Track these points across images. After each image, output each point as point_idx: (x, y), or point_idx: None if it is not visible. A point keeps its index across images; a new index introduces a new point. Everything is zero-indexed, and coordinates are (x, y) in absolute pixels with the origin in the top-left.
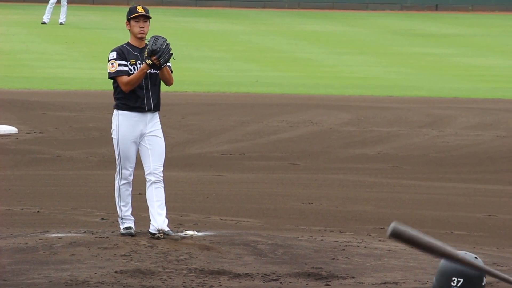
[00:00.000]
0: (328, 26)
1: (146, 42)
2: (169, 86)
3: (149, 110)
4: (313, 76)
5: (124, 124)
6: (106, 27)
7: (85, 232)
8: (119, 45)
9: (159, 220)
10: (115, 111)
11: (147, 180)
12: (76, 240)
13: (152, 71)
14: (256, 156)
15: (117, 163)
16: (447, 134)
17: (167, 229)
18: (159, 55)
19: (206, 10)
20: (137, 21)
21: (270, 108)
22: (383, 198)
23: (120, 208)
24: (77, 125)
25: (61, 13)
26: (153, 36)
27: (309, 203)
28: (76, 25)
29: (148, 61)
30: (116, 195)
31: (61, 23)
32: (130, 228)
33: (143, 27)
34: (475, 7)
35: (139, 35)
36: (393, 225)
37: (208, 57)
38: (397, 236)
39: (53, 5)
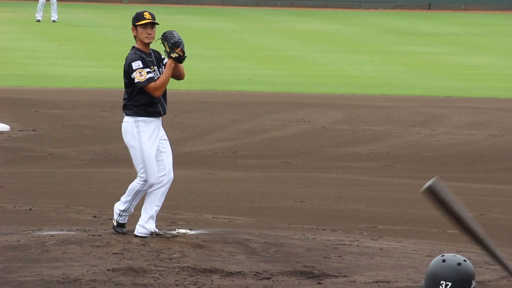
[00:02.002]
0: (321, 24)
1: (151, 48)
2: (183, 79)
3: (164, 114)
4: (306, 74)
5: (146, 130)
6: (99, 25)
7: (77, 230)
8: (132, 52)
9: (152, 224)
10: (131, 118)
11: (160, 180)
12: (68, 238)
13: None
14: (248, 155)
15: (141, 171)
16: (439, 133)
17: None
18: (182, 46)
19: (198, 8)
20: (144, 28)
21: (263, 106)
22: (375, 196)
23: (130, 204)
24: (69, 123)
25: (52, 11)
26: (164, 32)
27: (301, 201)
28: (69, 23)
29: (174, 55)
30: (131, 195)
31: (53, 21)
32: (124, 226)
33: (150, 33)
34: (468, 6)
35: (147, 41)
36: (432, 181)
37: (201, 55)
38: (431, 193)
39: (44, 2)
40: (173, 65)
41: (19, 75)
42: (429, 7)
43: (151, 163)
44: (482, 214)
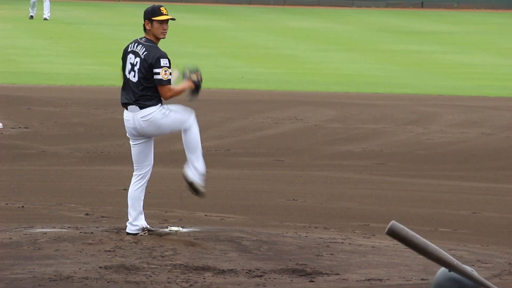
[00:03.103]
0: (314, 22)
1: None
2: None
3: None
4: (299, 72)
5: None
6: (92, 22)
7: (69, 227)
8: (155, 45)
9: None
10: (155, 107)
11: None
12: (60, 235)
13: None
14: (241, 153)
15: (188, 119)
16: (432, 131)
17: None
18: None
19: (192, 6)
20: (161, 23)
21: (256, 104)
22: (368, 195)
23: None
24: (62, 120)
25: (44, 9)
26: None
27: (294, 199)
28: (62, 20)
29: (194, 78)
30: (199, 144)
31: (45, 19)
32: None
33: (166, 29)
34: (461, 4)
35: (162, 36)
36: (391, 223)
37: (194, 53)
38: (393, 234)
39: (36, 1)
40: (187, 88)
41: (12, 72)
42: (422, 5)
43: (179, 107)
44: (474, 213)
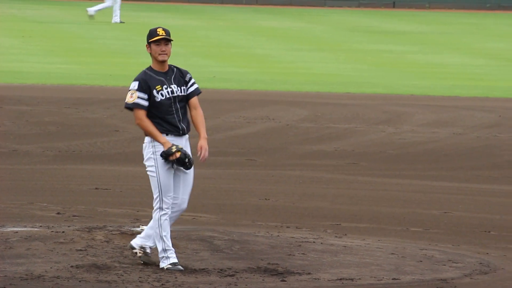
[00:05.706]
0: (286, 22)
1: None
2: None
3: (183, 134)
4: (271, 72)
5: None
6: (63, 21)
7: (41, 226)
8: (142, 71)
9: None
10: (147, 141)
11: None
12: (31, 234)
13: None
14: (213, 152)
15: (156, 195)
16: (403, 131)
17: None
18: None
19: (163, 5)
20: (158, 44)
21: (227, 104)
22: (340, 194)
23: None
24: (34, 119)
25: None
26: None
27: (266, 199)
28: (33, 19)
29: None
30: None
31: None
32: (177, 264)
33: (164, 50)
34: (432, 4)
35: (160, 58)
36: None
37: None
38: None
39: None
40: (160, 141)
41: None
42: (394, 5)
43: (165, 187)
44: (446, 212)
